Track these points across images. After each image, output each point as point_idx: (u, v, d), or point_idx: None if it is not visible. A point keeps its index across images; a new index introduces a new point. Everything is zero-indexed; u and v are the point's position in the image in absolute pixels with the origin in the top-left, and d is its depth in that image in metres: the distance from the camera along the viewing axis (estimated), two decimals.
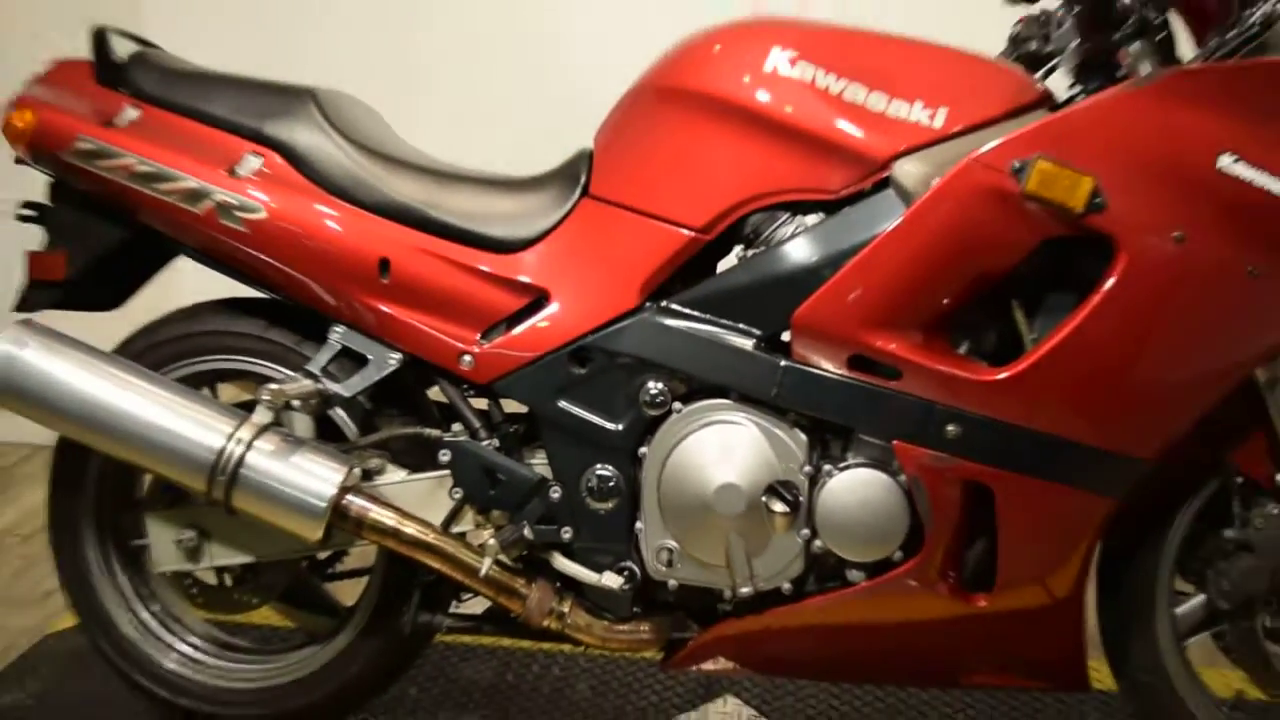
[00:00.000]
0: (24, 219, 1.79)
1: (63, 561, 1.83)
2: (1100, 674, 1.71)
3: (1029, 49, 1.68)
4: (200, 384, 1.79)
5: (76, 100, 1.72)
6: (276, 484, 1.59)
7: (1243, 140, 1.40)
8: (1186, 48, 1.61)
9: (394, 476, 1.70)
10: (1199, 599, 1.66)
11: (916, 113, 1.50)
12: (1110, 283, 1.42)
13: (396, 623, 1.73)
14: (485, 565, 1.60)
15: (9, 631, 2.22)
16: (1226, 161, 1.40)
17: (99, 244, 1.75)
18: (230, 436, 1.60)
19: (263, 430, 1.61)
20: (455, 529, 1.68)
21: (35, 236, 1.78)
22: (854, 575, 1.58)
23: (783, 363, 1.53)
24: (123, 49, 1.77)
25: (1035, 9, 1.66)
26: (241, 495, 1.59)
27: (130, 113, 1.70)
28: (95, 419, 1.60)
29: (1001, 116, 1.50)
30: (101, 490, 1.81)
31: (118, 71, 1.73)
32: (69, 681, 2.02)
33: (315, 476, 1.59)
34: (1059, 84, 1.63)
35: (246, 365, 1.75)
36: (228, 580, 1.81)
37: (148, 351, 1.77)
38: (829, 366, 1.51)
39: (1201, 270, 1.41)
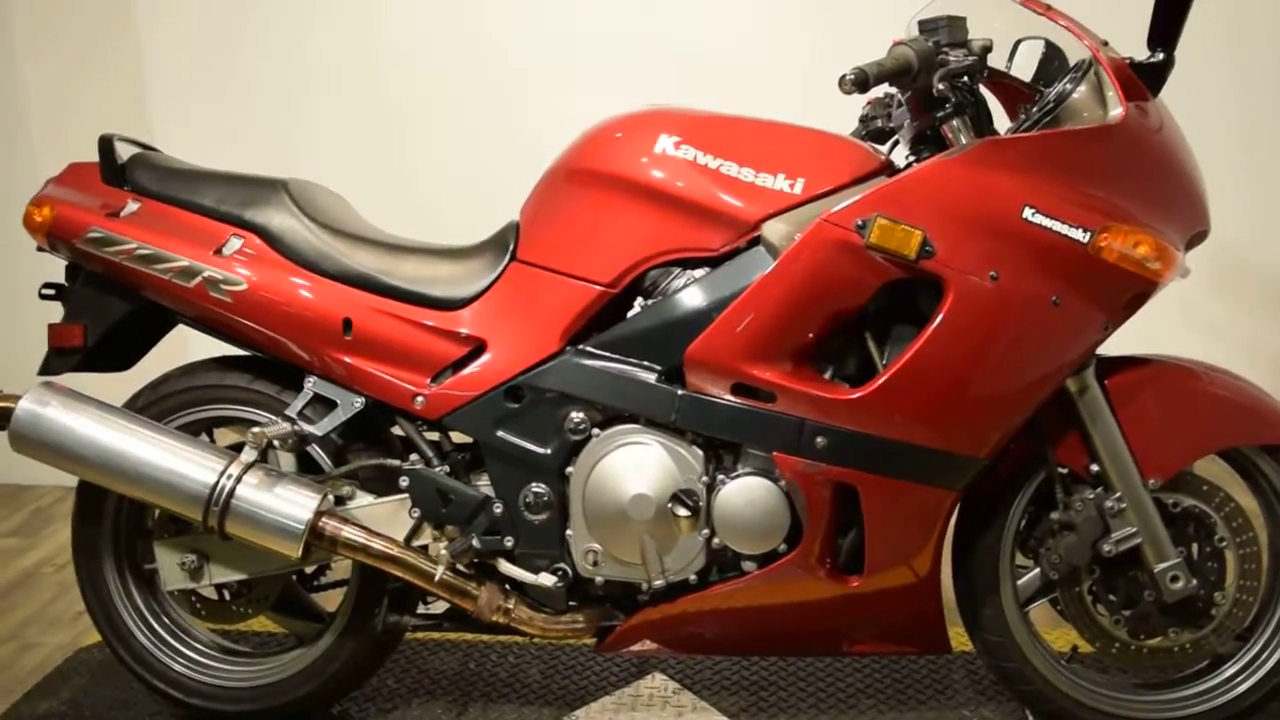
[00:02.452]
0: (45, 298, 1.81)
1: (86, 585, 1.83)
2: (961, 638, 1.75)
3: (875, 125, 1.74)
4: (199, 430, 1.80)
5: (86, 197, 1.74)
6: (262, 512, 1.61)
7: (1041, 194, 1.47)
8: (1003, 120, 1.69)
9: (363, 501, 1.72)
10: (1035, 571, 1.70)
11: (780, 182, 1.55)
12: (941, 316, 1.48)
13: (370, 624, 1.75)
14: (439, 572, 1.62)
15: (47, 648, 2.20)
16: (1029, 213, 1.46)
17: (110, 316, 1.77)
18: (222, 474, 1.61)
19: (249, 467, 1.63)
20: (416, 542, 1.70)
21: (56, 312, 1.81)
22: (748, 566, 1.62)
23: (679, 391, 1.57)
24: (125, 152, 1.80)
25: (878, 93, 1.72)
26: (232, 523, 1.61)
27: (131, 205, 1.73)
28: (108, 464, 1.62)
29: (850, 183, 1.55)
30: (117, 523, 1.82)
31: (119, 171, 1.76)
32: (97, 689, 2.00)
33: (294, 504, 1.62)
34: (901, 154, 1.70)
35: (236, 412, 1.77)
36: (226, 595, 1.81)
37: (153, 404, 1.78)
38: (717, 393, 1.55)
39: (1014, 302, 1.48)
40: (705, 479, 1.59)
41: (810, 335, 1.53)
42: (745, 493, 1.57)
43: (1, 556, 2.64)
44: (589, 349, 1.62)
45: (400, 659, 2.05)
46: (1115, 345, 1.59)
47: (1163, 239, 1.50)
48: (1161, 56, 1.52)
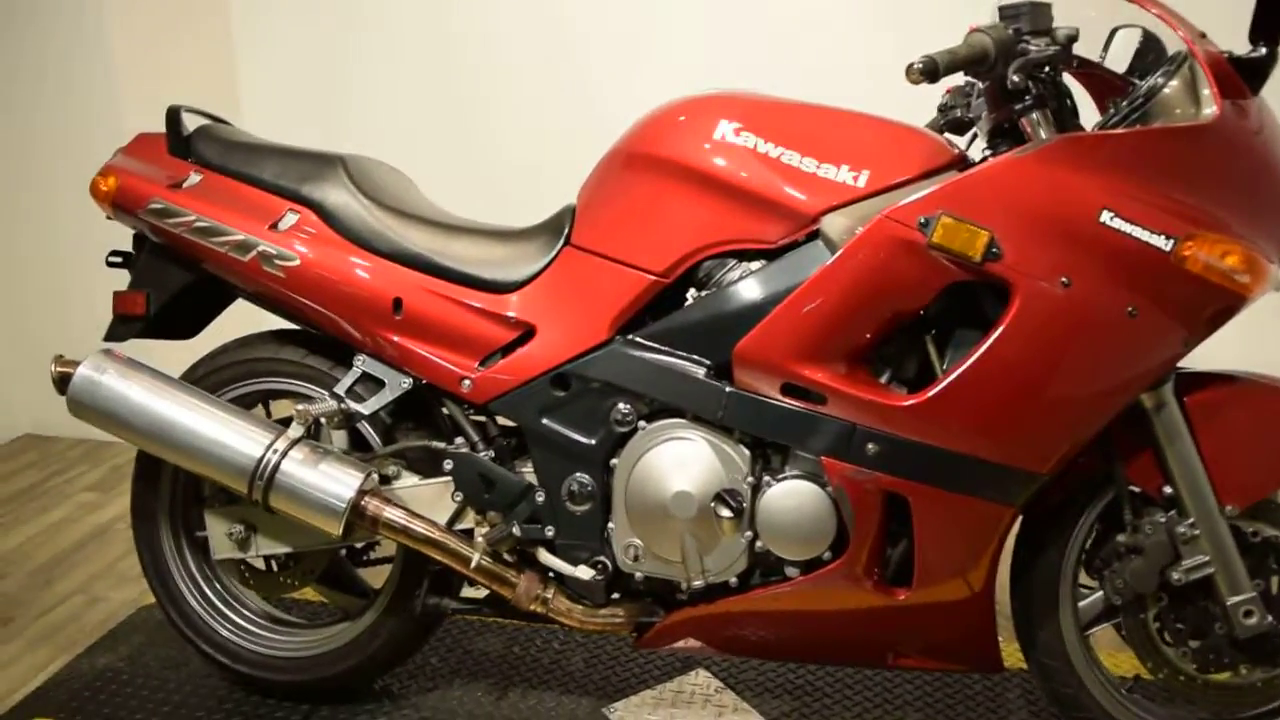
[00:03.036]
0: (112, 264, 1.84)
1: (142, 547, 1.87)
2: (1016, 654, 1.67)
3: (954, 116, 1.64)
4: (253, 402, 1.82)
5: (151, 168, 1.75)
6: (305, 487, 1.60)
7: (1121, 197, 1.36)
8: (1092, 114, 1.58)
9: (408, 481, 1.71)
10: (1099, 594, 1.60)
11: (842, 174, 1.48)
12: (1006, 322, 1.39)
13: (412, 604, 1.74)
14: (475, 558, 1.60)
15: (112, 603, 2.26)
16: (1107, 217, 1.36)
17: (172, 285, 1.79)
18: (268, 448, 1.62)
19: (295, 443, 1.63)
20: (459, 526, 1.68)
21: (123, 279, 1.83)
22: (791, 571, 1.56)
23: (727, 389, 1.51)
24: (194, 124, 1.81)
25: (958, 80, 1.63)
26: (276, 496, 1.61)
27: (193, 177, 1.73)
28: (158, 434, 1.63)
29: (917, 177, 1.47)
30: (174, 489, 1.85)
31: (185, 143, 1.77)
32: (154, 648, 2.04)
33: (338, 481, 1.61)
34: (979, 148, 1.60)
35: (290, 386, 1.77)
36: (274, 566, 1.83)
37: (210, 374, 1.80)
38: (766, 392, 1.49)
39: (1086, 311, 1.37)
40: (751, 480, 1.53)
41: (866, 336, 1.45)
42: (791, 496, 1.51)
43: (78, 510, 2.72)
44: (638, 339, 1.57)
45: (446, 638, 2.04)
46: (1202, 358, 1.48)
47: (1254, 250, 1.38)
48: (1264, 52, 1.39)
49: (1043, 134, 1.44)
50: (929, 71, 1.32)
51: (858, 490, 1.48)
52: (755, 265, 1.53)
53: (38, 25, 2.96)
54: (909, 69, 1.32)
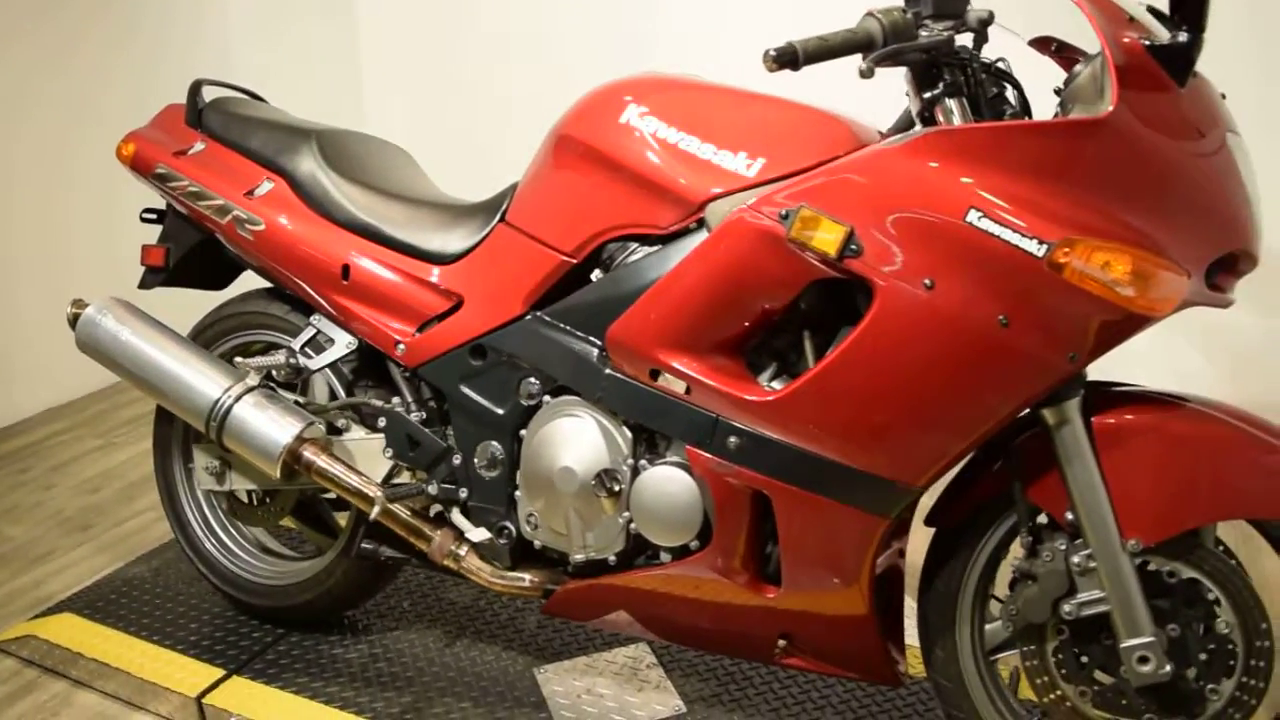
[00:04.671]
0: (145, 220, 2.04)
1: (158, 475, 2.07)
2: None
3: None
4: (251, 353, 1.96)
5: (166, 136, 1.93)
6: (251, 430, 1.74)
7: (991, 196, 1.25)
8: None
9: (357, 434, 1.80)
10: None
11: (737, 161, 1.43)
12: (865, 323, 1.30)
13: (360, 549, 1.84)
14: (374, 511, 1.68)
15: (164, 528, 2.49)
16: (974, 216, 1.24)
17: (187, 242, 1.96)
18: (225, 391, 1.76)
19: (251, 389, 1.76)
20: (397, 480, 1.77)
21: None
22: (664, 556, 1.54)
23: (606, 370, 1.50)
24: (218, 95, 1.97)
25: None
26: (228, 436, 1.75)
27: (198, 146, 1.89)
28: (139, 372, 1.81)
29: (814, 165, 1.39)
30: (185, 426, 2.02)
31: (198, 114, 1.93)
32: (179, 565, 2.23)
33: (280, 428, 1.73)
34: None
35: (273, 338, 1.91)
36: (254, 500, 1.98)
37: (214, 325, 1.97)
38: (636, 376, 1.47)
39: (950, 316, 1.27)
40: (631, 462, 1.52)
41: (734, 329, 1.40)
42: (661, 482, 1.49)
43: None
44: (545, 317, 1.59)
45: (425, 586, 2.15)
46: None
47: (1153, 260, 1.23)
48: (1185, 38, 1.22)
49: (955, 121, 1.34)
50: (786, 60, 1.25)
51: (719, 482, 1.44)
52: (648, 250, 1.51)
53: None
54: (765, 56, 1.26)
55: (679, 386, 1.44)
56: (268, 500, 1.96)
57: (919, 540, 1.53)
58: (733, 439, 1.41)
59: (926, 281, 1.27)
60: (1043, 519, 1.43)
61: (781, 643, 1.54)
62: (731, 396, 1.40)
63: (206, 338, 1.97)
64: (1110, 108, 1.21)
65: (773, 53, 1.25)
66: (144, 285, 2.02)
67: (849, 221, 1.29)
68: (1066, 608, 1.38)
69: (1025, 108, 1.43)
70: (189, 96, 1.94)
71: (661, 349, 1.43)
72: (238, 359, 1.78)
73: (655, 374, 1.46)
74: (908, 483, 1.35)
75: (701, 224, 1.45)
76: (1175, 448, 1.33)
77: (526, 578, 1.69)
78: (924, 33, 1.30)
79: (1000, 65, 1.42)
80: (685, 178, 1.45)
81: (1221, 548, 1.45)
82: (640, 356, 1.45)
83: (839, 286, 1.36)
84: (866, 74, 1.23)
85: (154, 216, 2.03)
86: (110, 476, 2.76)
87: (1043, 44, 1.49)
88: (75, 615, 2.08)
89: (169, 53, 3.31)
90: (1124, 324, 1.25)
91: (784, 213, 1.32)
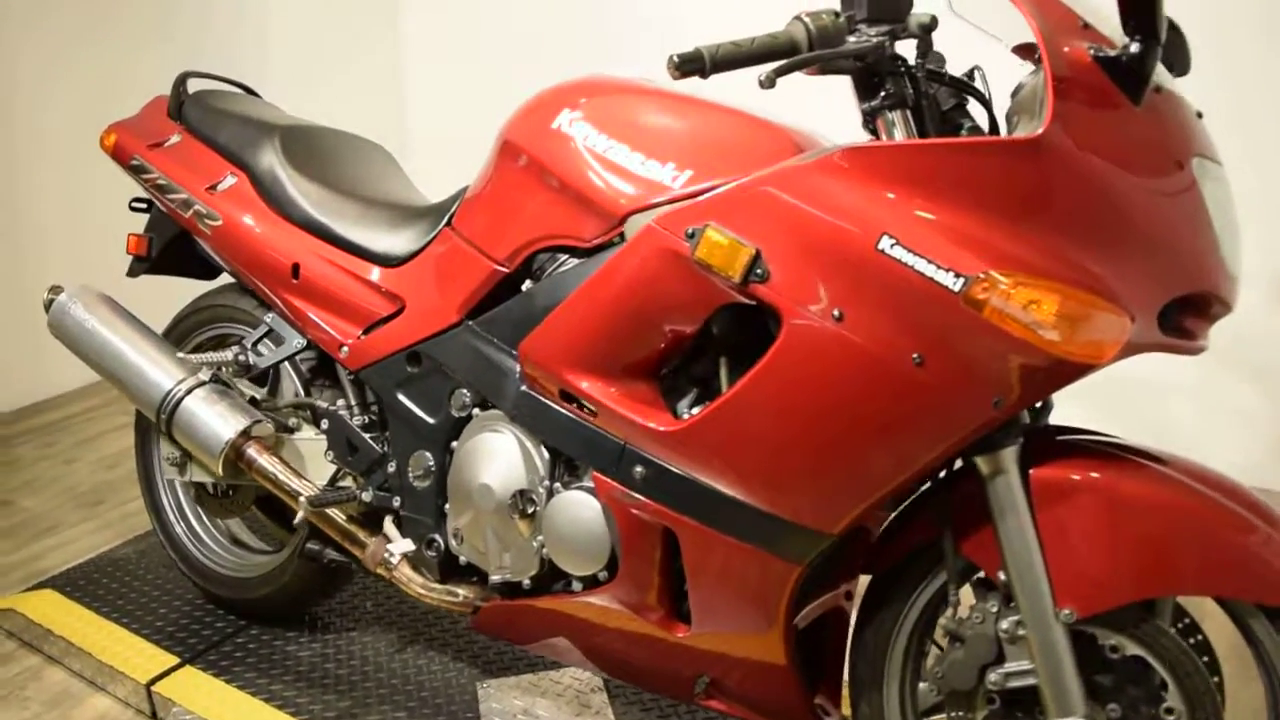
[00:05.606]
0: (135, 209, 2.04)
1: (138, 457, 2.08)
2: None
3: None
4: (225, 346, 1.94)
5: (147, 127, 1.93)
6: (196, 424, 1.71)
7: (906, 222, 1.11)
8: None
9: (307, 434, 1.77)
10: None
11: (664, 172, 1.32)
12: (770, 354, 1.19)
13: (298, 547, 1.81)
14: (298, 516, 1.63)
15: None
16: (887, 244, 1.11)
17: (167, 232, 1.96)
18: (177, 383, 1.74)
19: (203, 384, 1.74)
20: (341, 484, 1.72)
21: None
22: (575, 584, 1.45)
23: (521, 387, 1.42)
24: (203, 88, 1.96)
25: None
26: (176, 428, 1.74)
27: (174, 139, 1.88)
28: (99, 360, 1.82)
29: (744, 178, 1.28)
30: None
31: (179, 107, 1.92)
32: (160, 550, 2.20)
33: (225, 424, 1.70)
34: None
35: (239, 331, 1.89)
36: (217, 491, 1.97)
37: (190, 317, 1.97)
38: (548, 395, 1.39)
39: (860, 351, 1.14)
40: (547, 484, 1.44)
41: (642, 351, 1.30)
42: (569, 508, 1.40)
43: None
44: (475, 328, 1.51)
45: (389, 589, 2.10)
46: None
47: (1089, 301, 1.08)
48: (1136, 49, 1.07)
49: (896, 136, 1.21)
50: (692, 67, 1.14)
51: (624, 512, 1.34)
52: (573, 263, 1.42)
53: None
54: (668, 61, 1.15)
55: (589, 410, 1.35)
56: (231, 492, 1.95)
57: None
58: (638, 468, 1.31)
59: (835, 313, 1.14)
60: (979, 575, 1.30)
61: (703, 683, 1.44)
62: (636, 423, 1.30)
63: (184, 328, 1.97)
64: (1043, 127, 1.06)
65: (676, 59, 1.14)
66: (131, 273, 2.03)
67: (756, 243, 1.18)
68: (993, 677, 1.24)
69: (992, 123, 1.29)
70: (173, 88, 1.94)
71: (568, 369, 1.34)
72: (190, 354, 1.76)
73: (565, 395, 1.37)
74: (819, 529, 1.23)
75: (624, 238, 1.36)
76: (1120, 510, 1.17)
77: (459, 592, 1.62)
78: (853, 39, 1.17)
79: (959, 75, 1.28)
80: (608, 188, 1.35)
81: (1184, 623, 1.29)
82: (549, 375, 1.37)
83: (757, 311, 1.25)
84: (766, 84, 1.11)
85: (143, 205, 2.04)
86: (129, 455, 2.78)
87: (1026, 51, 1.34)
88: (57, 592, 2.11)
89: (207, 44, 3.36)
90: (1055, 370, 1.10)
91: (690, 231, 1.22)
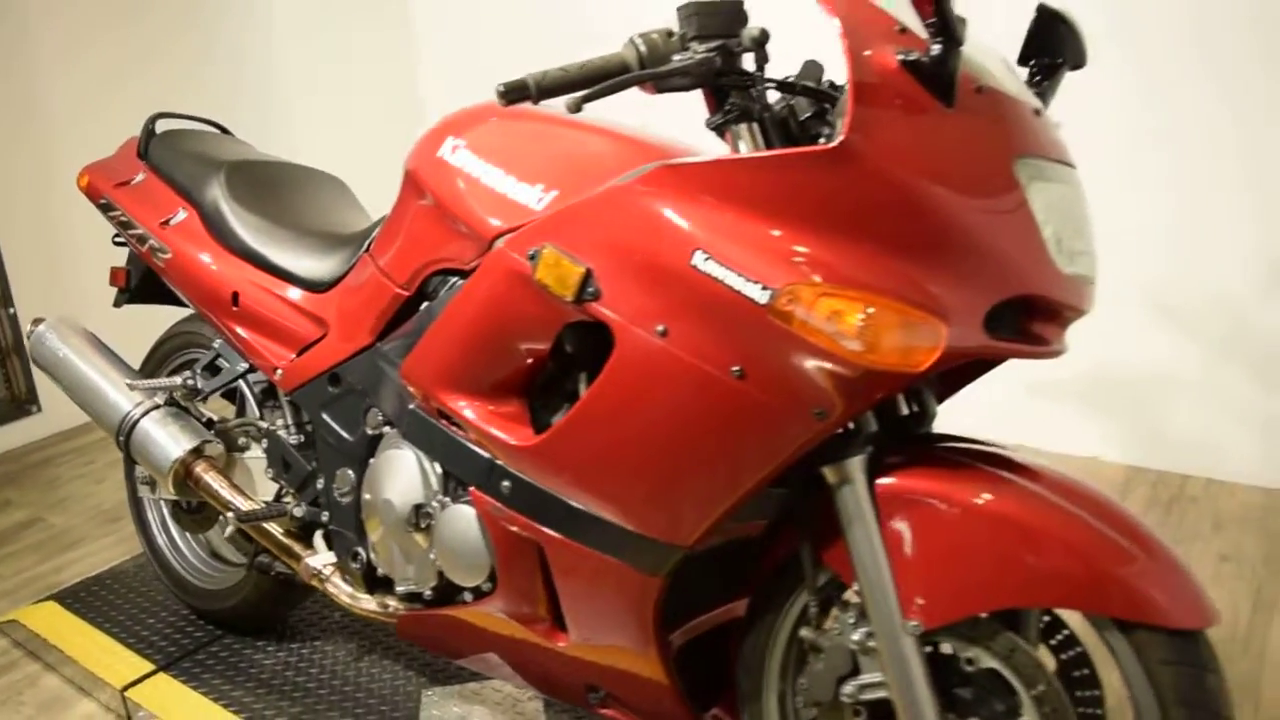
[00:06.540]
0: (117, 244, 2.17)
1: (127, 474, 2.20)
2: None
3: None
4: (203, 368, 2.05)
5: (118, 167, 2.05)
6: (149, 443, 1.81)
7: (717, 237, 1.12)
8: None
9: (256, 452, 1.85)
10: None
11: (531, 194, 1.35)
12: (605, 371, 1.20)
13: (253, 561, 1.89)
14: (227, 530, 1.71)
15: None
16: (700, 259, 1.12)
17: (141, 265, 2.08)
18: (135, 406, 1.84)
19: (157, 407, 1.84)
20: (285, 500, 1.80)
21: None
22: (466, 595, 1.48)
23: (410, 405, 1.46)
24: (176, 128, 2.07)
25: None
26: (133, 449, 1.84)
27: (139, 177, 1.99)
28: (68, 385, 1.94)
29: None
30: None
31: (147, 146, 2.03)
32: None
33: (175, 443, 1.80)
34: None
35: (204, 356, 1.98)
36: (188, 507, 2.07)
37: (167, 341, 2.08)
38: (429, 413, 1.43)
39: (685, 365, 1.15)
40: (441, 499, 1.47)
41: (504, 369, 1.33)
42: (453, 521, 1.44)
43: None
44: (382, 349, 1.57)
45: None
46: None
47: (898, 309, 1.06)
48: (938, 50, 1.05)
49: (742, 149, 1.21)
50: (516, 95, 1.16)
51: (496, 526, 1.37)
52: (459, 285, 1.45)
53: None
54: (495, 91, 1.18)
55: (463, 427, 1.39)
56: (202, 508, 2.05)
57: None
58: (505, 483, 1.34)
59: (660, 328, 1.15)
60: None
61: (598, 696, 1.45)
62: (497, 440, 1.33)
63: (162, 353, 2.08)
64: (842, 135, 1.05)
65: (501, 88, 1.17)
66: (115, 304, 2.15)
67: (587, 262, 1.20)
68: (848, 689, 1.23)
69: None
70: (143, 128, 2.05)
71: (440, 388, 1.38)
72: (151, 378, 1.87)
73: (442, 413, 1.41)
74: (670, 541, 1.24)
75: None
76: (963, 522, 1.15)
77: (390, 603, 1.67)
78: (678, 57, 1.18)
79: (813, 84, 1.27)
80: (480, 212, 1.39)
81: (1061, 634, 1.25)
82: (425, 394, 1.41)
83: (606, 328, 1.27)
84: (572, 108, 1.12)
85: (123, 241, 2.16)
86: None
87: None
88: (59, 605, 2.26)
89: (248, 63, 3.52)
90: (870, 379, 1.09)
91: (531, 253, 1.24)
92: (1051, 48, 1.30)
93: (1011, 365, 1.32)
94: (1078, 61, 1.32)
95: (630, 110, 1.51)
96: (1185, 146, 2.49)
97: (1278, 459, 2.54)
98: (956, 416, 2.97)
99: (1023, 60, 1.32)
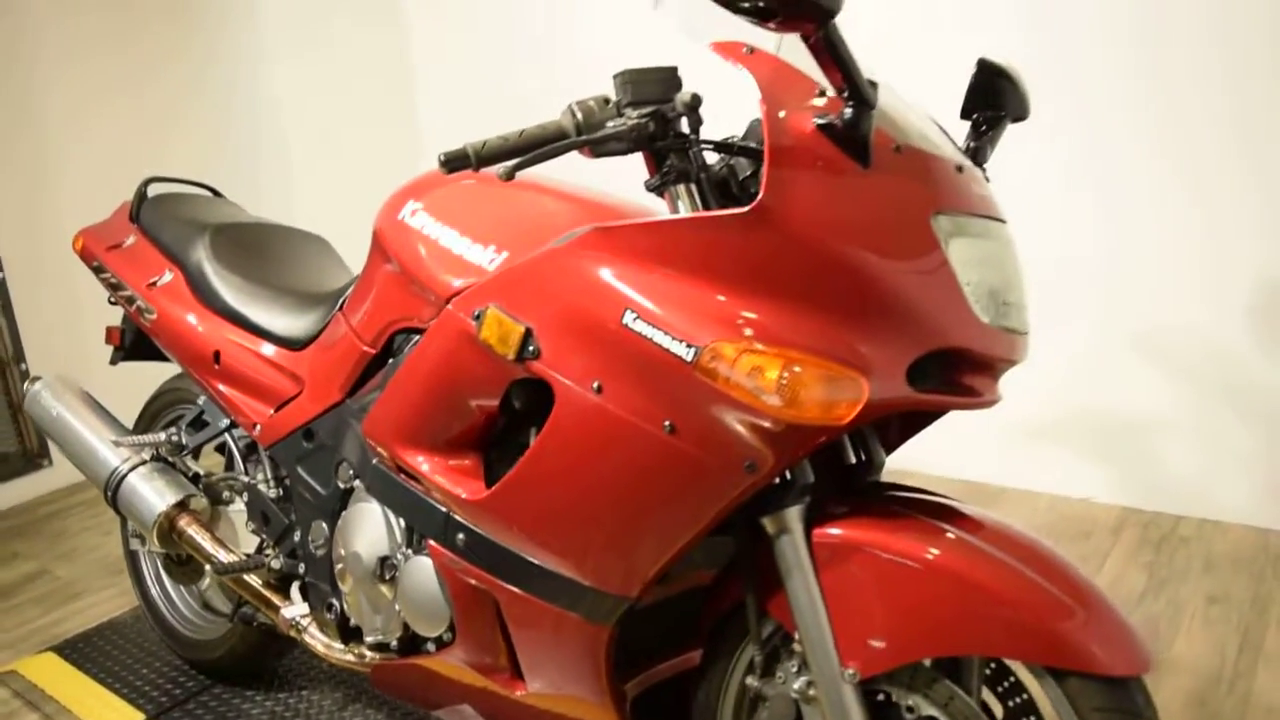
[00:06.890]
0: (113, 303, 2.24)
1: (122, 534, 2.26)
2: None
3: None
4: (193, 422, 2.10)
5: (111, 230, 2.12)
6: (135, 498, 1.87)
7: (645, 296, 1.16)
8: None
9: (240, 506, 1.90)
10: None
11: (482, 256, 1.40)
12: (546, 427, 1.24)
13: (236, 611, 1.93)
14: (204, 582, 1.75)
15: None
16: (630, 318, 1.16)
17: (134, 324, 2.14)
18: (123, 461, 1.90)
19: (144, 461, 1.90)
20: (266, 552, 1.84)
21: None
22: (429, 645, 1.51)
23: (373, 460, 1.51)
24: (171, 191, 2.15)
25: None
26: (120, 503, 1.90)
27: (129, 240, 2.07)
28: (60, 441, 1.99)
29: None
30: None
31: (139, 210, 2.11)
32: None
33: (159, 497, 1.85)
34: None
35: (193, 411, 2.04)
36: (178, 559, 2.11)
37: (160, 396, 2.14)
38: (390, 468, 1.47)
39: (617, 421, 1.18)
40: (406, 551, 1.51)
41: (456, 425, 1.37)
42: (414, 573, 1.47)
43: None
44: (352, 405, 1.61)
45: None
46: None
47: (817, 364, 1.09)
48: (850, 112, 1.08)
49: (681, 209, 1.25)
50: (457, 164, 1.20)
51: (453, 577, 1.40)
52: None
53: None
54: (438, 160, 1.23)
55: (421, 481, 1.42)
56: (189, 561, 2.10)
57: None
58: (460, 535, 1.38)
59: (595, 385, 1.19)
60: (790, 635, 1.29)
61: None
62: (451, 494, 1.36)
63: (154, 409, 2.14)
64: (760, 194, 1.09)
65: (443, 157, 1.22)
66: (111, 361, 2.22)
67: (527, 321, 1.24)
68: None
69: None
70: (135, 192, 2.13)
71: (396, 443, 1.42)
72: (139, 435, 1.93)
73: (401, 468, 1.45)
74: (618, 593, 1.26)
75: None
76: (896, 572, 1.16)
77: (367, 654, 1.70)
78: (612, 124, 1.23)
79: (753, 144, 1.31)
80: (436, 273, 1.43)
81: (1007, 682, 1.26)
82: (385, 450, 1.45)
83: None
84: (505, 177, 1.17)
85: (116, 301, 2.24)
86: None
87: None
88: (57, 656, 2.31)
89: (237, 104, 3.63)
90: (794, 433, 1.11)
91: (476, 312, 1.29)
92: (994, 101, 1.34)
93: (1003, 407, 1.34)
94: (1019, 114, 1.36)
95: (597, 171, 1.56)
96: (1181, 194, 2.50)
97: (1272, 498, 2.52)
98: (948, 457, 2.98)
99: (965, 114, 1.35)
